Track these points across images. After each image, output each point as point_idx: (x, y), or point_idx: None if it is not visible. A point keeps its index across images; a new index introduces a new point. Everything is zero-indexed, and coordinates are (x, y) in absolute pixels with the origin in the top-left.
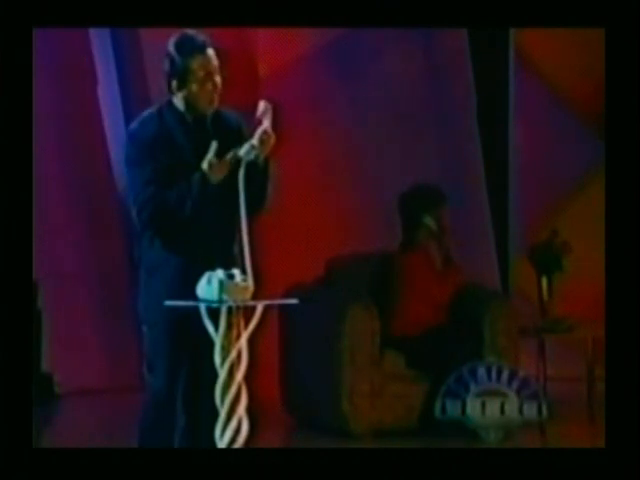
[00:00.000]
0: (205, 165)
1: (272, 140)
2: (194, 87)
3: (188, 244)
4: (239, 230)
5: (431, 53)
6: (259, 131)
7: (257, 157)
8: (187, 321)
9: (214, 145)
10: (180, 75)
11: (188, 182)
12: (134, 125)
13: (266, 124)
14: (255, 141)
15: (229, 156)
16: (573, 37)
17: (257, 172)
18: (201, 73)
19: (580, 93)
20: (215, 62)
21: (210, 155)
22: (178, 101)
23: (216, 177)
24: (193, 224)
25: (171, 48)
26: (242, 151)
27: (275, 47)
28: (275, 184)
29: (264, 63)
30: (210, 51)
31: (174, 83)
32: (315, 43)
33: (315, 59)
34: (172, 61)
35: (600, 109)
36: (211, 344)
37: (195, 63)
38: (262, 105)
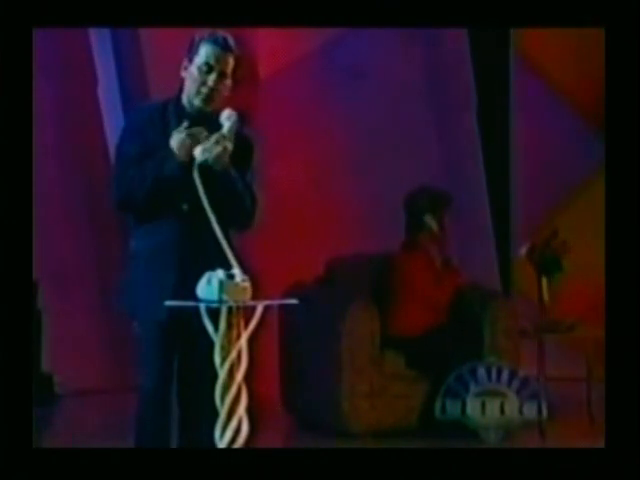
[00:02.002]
0: (173, 142)
1: (224, 146)
2: (195, 70)
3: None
4: (222, 237)
5: (431, 53)
6: (214, 135)
7: (207, 161)
8: (178, 318)
9: (185, 124)
10: (190, 54)
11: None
12: (135, 110)
13: (224, 129)
14: (208, 144)
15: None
16: (573, 37)
17: (215, 176)
18: (206, 60)
19: (580, 93)
20: (229, 66)
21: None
22: (184, 97)
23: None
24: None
25: (197, 36)
26: (196, 151)
27: (275, 47)
28: (261, 200)
29: (264, 63)
30: (229, 55)
31: (185, 61)
32: (315, 43)
33: (315, 59)
34: (192, 41)
35: (600, 109)
36: (204, 341)
37: (207, 49)
38: (226, 112)
